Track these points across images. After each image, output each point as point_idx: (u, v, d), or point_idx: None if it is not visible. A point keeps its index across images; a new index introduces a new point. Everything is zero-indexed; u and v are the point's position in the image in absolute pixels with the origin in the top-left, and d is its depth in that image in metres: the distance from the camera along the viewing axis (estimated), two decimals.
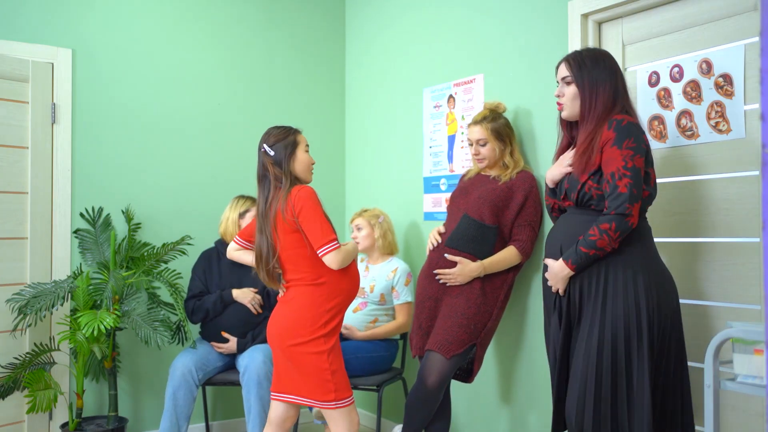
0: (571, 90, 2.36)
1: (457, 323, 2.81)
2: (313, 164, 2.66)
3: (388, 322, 3.52)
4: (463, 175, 3.18)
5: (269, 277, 2.61)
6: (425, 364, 2.85)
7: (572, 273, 2.27)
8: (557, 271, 2.30)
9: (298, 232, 2.49)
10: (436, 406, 2.88)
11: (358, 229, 3.63)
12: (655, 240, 2.71)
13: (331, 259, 2.45)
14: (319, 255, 2.46)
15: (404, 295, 3.52)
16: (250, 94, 4.17)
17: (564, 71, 2.39)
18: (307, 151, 2.65)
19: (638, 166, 2.19)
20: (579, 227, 2.31)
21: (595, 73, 2.32)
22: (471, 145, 3.03)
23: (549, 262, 2.36)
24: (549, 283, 2.37)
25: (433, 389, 2.81)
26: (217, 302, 3.47)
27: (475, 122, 3.02)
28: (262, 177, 2.60)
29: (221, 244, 3.65)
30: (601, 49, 2.42)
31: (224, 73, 4.09)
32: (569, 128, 2.49)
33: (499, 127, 2.99)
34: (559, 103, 2.41)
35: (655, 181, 2.31)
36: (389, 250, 3.64)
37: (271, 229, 2.55)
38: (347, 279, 2.56)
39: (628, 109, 2.33)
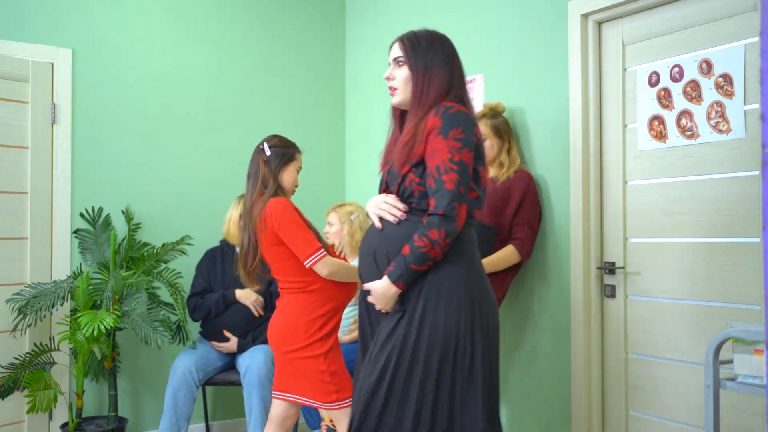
0: (403, 72, 2.09)
1: None
2: (296, 187, 2.71)
3: None
4: None
5: (248, 277, 2.62)
6: None
7: (400, 291, 1.97)
8: (383, 291, 1.97)
9: (283, 244, 2.51)
10: None
11: (330, 224, 3.55)
12: (655, 240, 2.72)
13: (320, 269, 2.47)
14: (307, 267, 2.48)
15: None
16: (250, 94, 4.17)
17: (397, 51, 2.11)
18: (297, 172, 2.70)
19: (466, 161, 1.94)
20: (401, 233, 2.01)
21: (430, 55, 2.07)
22: None
23: (371, 286, 2.02)
24: (378, 307, 2.03)
25: None
26: (220, 301, 3.47)
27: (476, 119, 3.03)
28: (253, 174, 2.64)
29: (226, 244, 3.66)
30: (439, 32, 2.15)
31: (225, 74, 4.09)
32: (401, 119, 2.18)
33: (499, 124, 3.00)
34: (390, 87, 2.13)
35: (486, 183, 2.08)
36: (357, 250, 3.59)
37: (253, 228, 2.57)
38: (340, 284, 2.57)
39: (464, 97, 2.10)
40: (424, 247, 1.92)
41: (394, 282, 1.96)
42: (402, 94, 2.10)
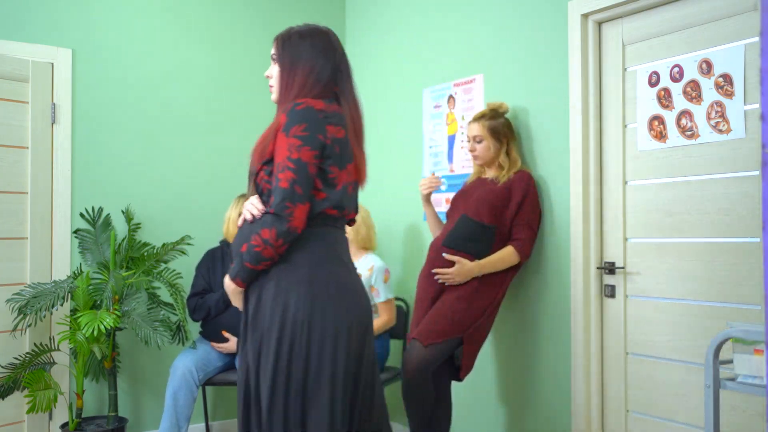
0: (276, 69, 2.09)
1: (442, 314, 2.84)
2: None
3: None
4: (466, 181, 3.21)
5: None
6: (406, 353, 2.89)
7: (243, 289, 2.01)
8: (226, 287, 2.04)
9: None
10: (424, 396, 2.88)
11: None
12: (655, 240, 2.71)
13: None
14: None
15: (384, 293, 3.49)
16: (250, 94, 4.17)
17: (272, 49, 2.11)
18: None
19: (305, 159, 1.88)
20: (251, 231, 1.98)
21: (299, 50, 2.03)
22: (469, 141, 3.07)
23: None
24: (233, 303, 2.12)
25: (410, 376, 2.83)
26: (220, 301, 3.47)
27: (475, 119, 3.06)
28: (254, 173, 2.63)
29: (226, 244, 3.66)
30: (319, 27, 2.10)
31: (225, 74, 4.09)
32: None
33: (497, 125, 3.00)
34: (270, 85, 2.14)
35: (345, 184, 1.99)
36: (363, 245, 3.60)
37: None
38: None
39: (340, 94, 2.06)
40: (257, 246, 1.91)
41: (233, 279, 1.99)
42: (275, 92, 2.09)
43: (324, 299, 1.93)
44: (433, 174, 3.23)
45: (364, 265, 3.52)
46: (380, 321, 3.49)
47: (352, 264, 2.10)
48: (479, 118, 3.04)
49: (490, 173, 3.07)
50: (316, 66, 2.02)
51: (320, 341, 1.91)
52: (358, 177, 2.09)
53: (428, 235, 3.69)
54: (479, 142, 3.01)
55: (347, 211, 2.04)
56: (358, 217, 3.57)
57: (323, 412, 1.89)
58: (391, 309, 3.53)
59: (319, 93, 2.01)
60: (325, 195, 1.96)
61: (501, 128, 3.00)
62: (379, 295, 3.49)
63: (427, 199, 3.22)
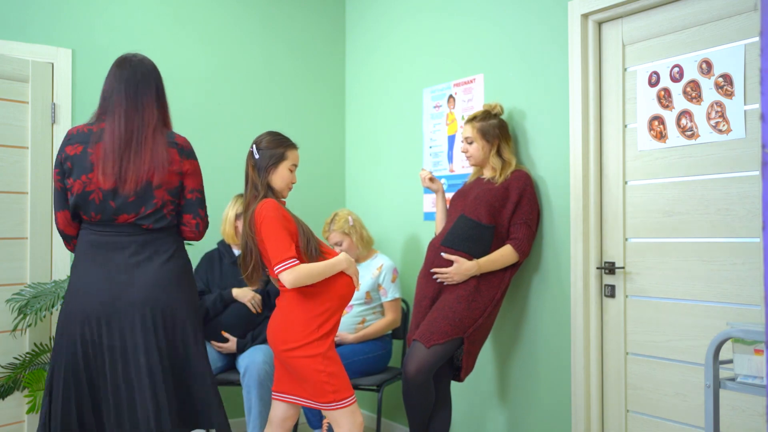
0: None
1: (442, 315, 2.84)
2: (293, 183, 2.64)
3: (376, 320, 3.51)
4: (465, 182, 3.22)
5: (248, 279, 2.62)
6: (407, 354, 2.89)
7: None
8: None
9: None
10: (424, 397, 2.88)
11: (338, 244, 3.51)
12: (655, 240, 2.72)
13: (285, 278, 2.40)
14: (275, 273, 2.43)
15: (392, 292, 3.50)
16: (250, 94, 4.17)
17: None
18: (292, 170, 2.61)
19: (53, 177, 2.31)
20: None
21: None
22: (462, 143, 3.10)
23: None
24: None
25: (411, 378, 2.83)
26: (217, 301, 3.47)
27: (467, 121, 3.08)
28: (246, 178, 2.63)
29: (222, 244, 3.65)
30: (128, 55, 2.57)
31: (224, 74, 4.09)
32: None
33: (487, 127, 3.01)
34: None
35: (80, 192, 2.28)
36: (369, 245, 3.62)
37: (248, 231, 2.56)
38: (339, 282, 2.54)
39: (102, 115, 2.43)
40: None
41: None
42: None
43: (69, 293, 2.33)
44: (423, 169, 3.28)
45: (374, 264, 3.53)
46: (385, 321, 3.50)
47: (120, 262, 2.32)
48: (471, 119, 3.06)
49: (486, 173, 3.07)
50: (102, 93, 2.49)
51: (58, 334, 2.31)
52: (100, 182, 2.28)
53: (427, 235, 3.70)
54: (470, 143, 3.04)
55: (96, 215, 2.30)
56: (357, 223, 3.56)
57: (45, 400, 2.28)
58: (397, 308, 3.54)
59: (97, 115, 2.44)
60: (69, 203, 2.33)
61: (491, 129, 3.01)
62: (386, 294, 3.49)
63: (435, 191, 3.24)
